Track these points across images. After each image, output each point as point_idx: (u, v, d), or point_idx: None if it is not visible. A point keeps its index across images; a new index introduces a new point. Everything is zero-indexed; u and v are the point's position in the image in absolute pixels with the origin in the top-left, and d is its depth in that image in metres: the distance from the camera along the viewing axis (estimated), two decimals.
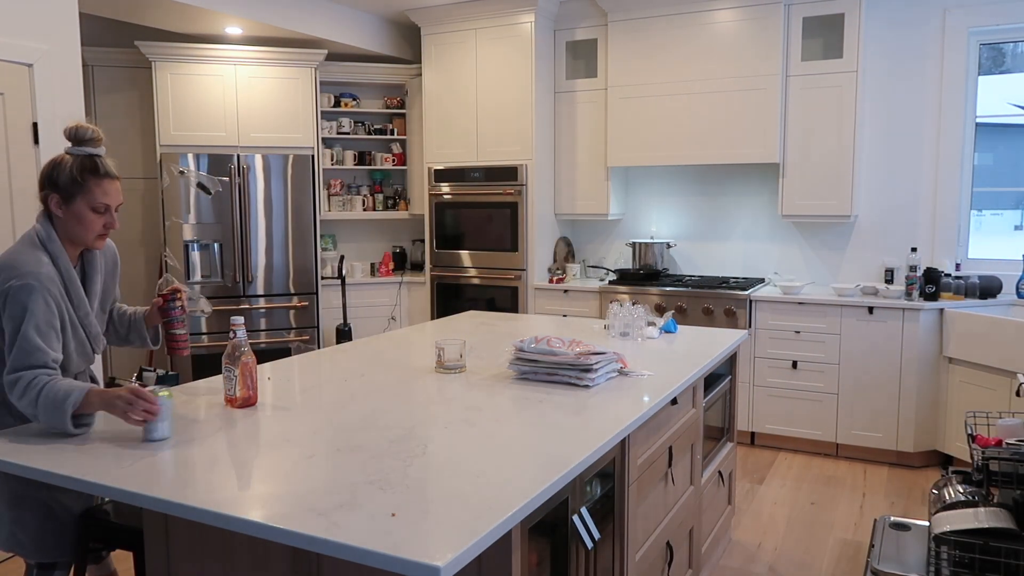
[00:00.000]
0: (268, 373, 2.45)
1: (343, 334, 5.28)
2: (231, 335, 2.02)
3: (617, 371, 2.40)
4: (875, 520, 2.91)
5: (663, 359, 2.64)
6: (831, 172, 4.43)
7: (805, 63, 4.44)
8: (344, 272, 5.37)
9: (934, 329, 4.07)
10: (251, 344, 5.14)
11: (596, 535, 1.83)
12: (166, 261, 4.90)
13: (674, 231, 5.23)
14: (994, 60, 4.45)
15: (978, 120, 4.44)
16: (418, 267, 5.96)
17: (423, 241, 5.91)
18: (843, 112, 4.37)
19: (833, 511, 3.62)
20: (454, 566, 1.19)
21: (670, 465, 2.41)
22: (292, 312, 5.23)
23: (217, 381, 2.34)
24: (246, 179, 5.03)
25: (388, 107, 5.73)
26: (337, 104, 5.62)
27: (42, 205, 1.93)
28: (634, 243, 5.08)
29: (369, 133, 5.73)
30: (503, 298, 5.17)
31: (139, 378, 3.53)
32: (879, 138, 4.59)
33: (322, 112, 5.54)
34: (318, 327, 5.30)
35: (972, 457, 2.53)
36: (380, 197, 5.81)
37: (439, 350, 2.45)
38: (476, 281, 5.26)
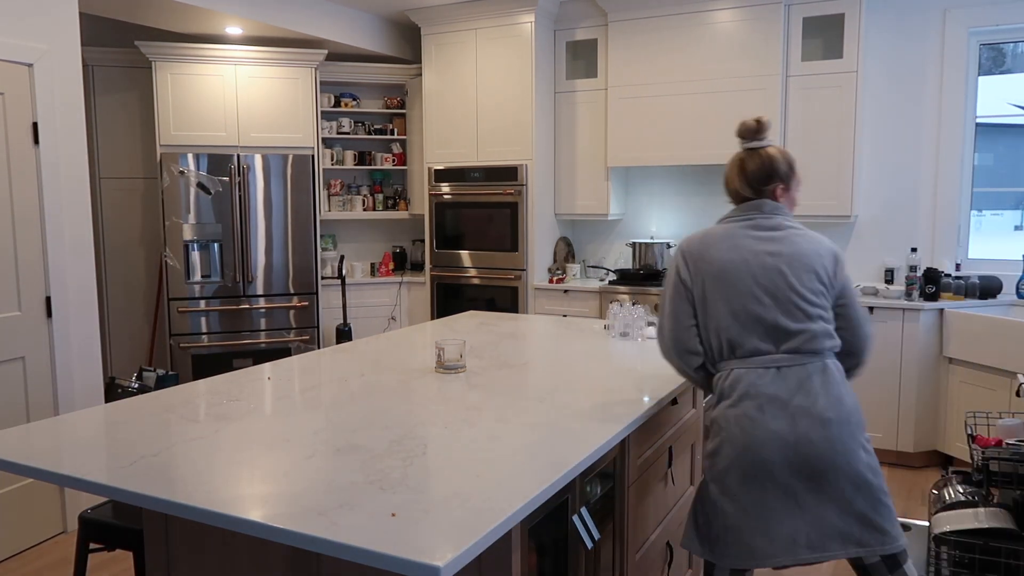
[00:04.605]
0: (268, 373, 2.45)
1: (343, 334, 5.28)
2: None
3: None
4: None
5: (663, 359, 2.64)
6: (831, 172, 4.43)
7: (805, 63, 4.44)
8: (344, 272, 5.37)
9: (934, 329, 4.07)
10: (251, 344, 5.15)
11: (596, 535, 1.82)
12: (166, 261, 4.90)
13: (674, 231, 5.23)
14: (994, 60, 4.45)
15: (978, 120, 4.43)
16: (418, 267, 5.96)
17: (423, 241, 5.91)
18: (843, 112, 4.37)
19: None
20: (454, 566, 1.19)
21: (670, 465, 2.41)
22: (292, 312, 5.23)
23: (216, 381, 2.34)
24: (246, 179, 5.03)
25: (388, 107, 5.73)
26: (337, 104, 5.62)
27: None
28: (634, 243, 5.08)
29: (369, 133, 5.73)
30: (503, 298, 5.17)
31: (139, 378, 3.53)
32: (879, 138, 4.59)
33: (322, 112, 5.54)
34: (318, 327, 5.31)
35: (972, 457, 2.53)
36: (380, 197, 5.81)
37: (439, 350, 2.45)
38: (476, 281, 5.26)
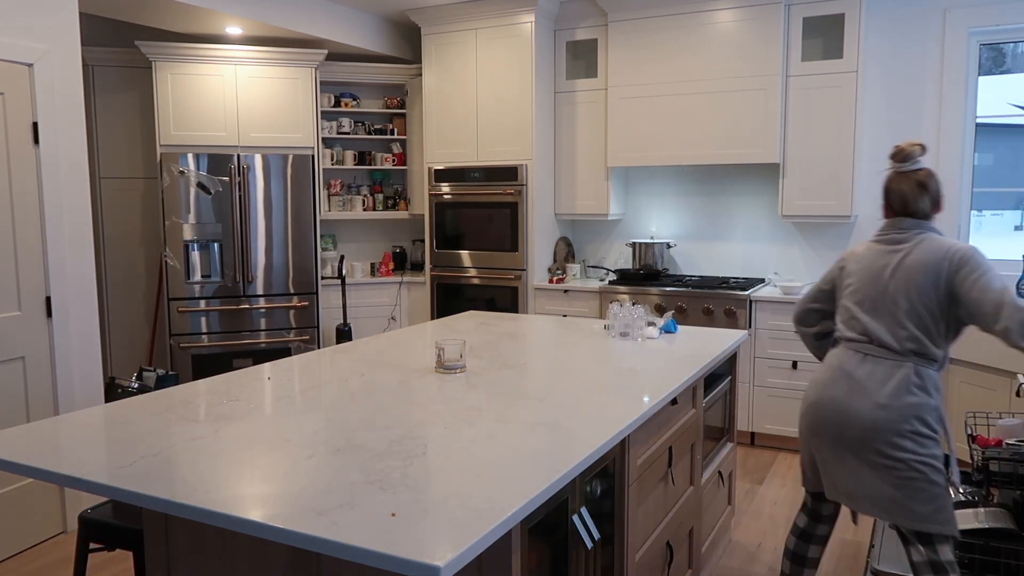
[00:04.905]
0: (268, 373, 2.45)
1: (343, 334, 5.28)
2: None
3: None
4: (875, 520, 2.91)
5: (663, 359, 2.64)
6: (831, 172, 4.43)
7: (805, 63, 4.44)
8: (344, 272, 5.37)
9: None
10: (251, 344, 5.16)
11: (596, 535, 1.83)
12: (166, 261, 4.90)
13: (674, 231, 5.23)
14: (994, 60, 4.45)
15: (978, 120, 4.44)
16: (418, 267, 5.96)
17: (423, 241, 5.91)
18: (843, 112, 4.37)
19: None
20: (454, 566, 1.19)
21: (670, 465, 2.41)
22: (292, 312, 5.23)
23: (216, 381, 2.34)
24: (246, 179, 5.03)
25: (388, 107, 5.73)
26: (337, 104, 5.62)
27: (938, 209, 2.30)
28: (634, 243, 5.08)
29: (369, 133, 5.73)
30: (503, 298, 5.17)
31: (139, 378, 3.53)
32: (879, 138, 4.59)
33: (322, 112, 5.54)
34: (318, 327, 5.31)
35: (972, 457, 2.53)
36: (380, 197, 5.81)
37: (439, 350, 2.45)
38: (476, 281, 5.26)
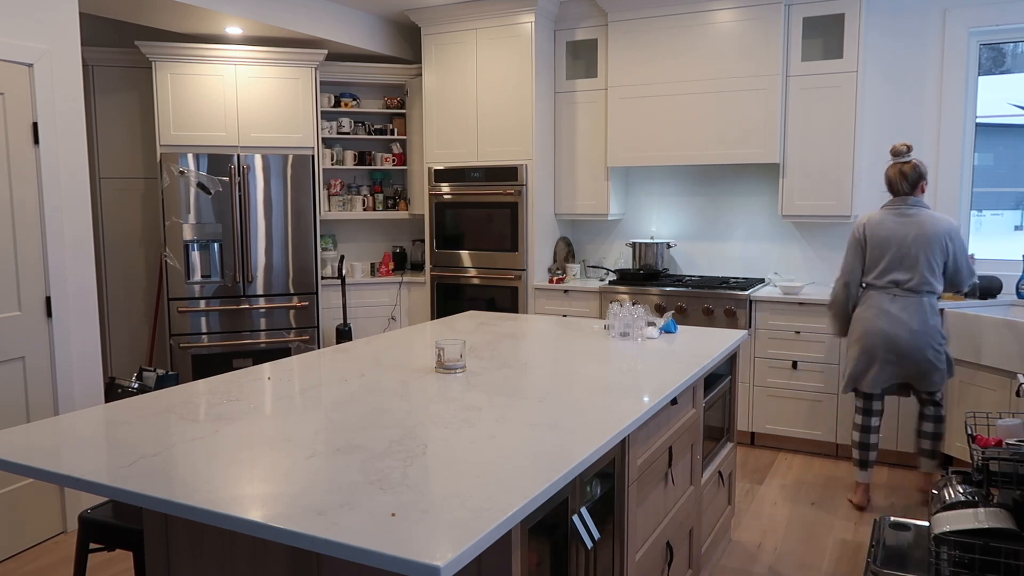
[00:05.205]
0: (268, 373, 2.45)
1: (343, 334, 5.28)
2: None
3: None
4: (875, 520, 2.91)
5: (663, 359, 2.64)
6: (831, 172, 4.43)
7: (805, 63, 4.44)
8: (344, 272, 5.37)
9: None
10: (251, 344, 5.16)
11: (596, 535, 1.83)
12: (166, 261, 4.91)
13: (674, 231, 5.23)
14: (994, 60, 4.45)
15: (978, 120, 4.44)
16: (418, 267, 5.96)
17: (423, 241, 5.92)
18: (843, 112, 4.37)
19: (833, 511, 3.62)
20: (454, 566, 1.19)
21: (670, 465, 2.41)
22: (292, 312, 5.23)
23: (216, 381, 2.34)
24: (246, 179, 5.03)
25: (388, 107, 5.73)
26: (337, 104, 5.62)
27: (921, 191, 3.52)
28: (634, 243, 5.08)
29: (369, 133, 5.73)
30: (503, 298, 5.17)
31: (139, 378, 3.53)
32: (879, 138, 4.59)
33: (322, 112, 5.54)
34: (318, 327, 5.31)
35: (972, 457, 2.53)
36: (380, 197, 5.81)
37: (439, 350, 2.45)
38: (476, 281, 5.26)
